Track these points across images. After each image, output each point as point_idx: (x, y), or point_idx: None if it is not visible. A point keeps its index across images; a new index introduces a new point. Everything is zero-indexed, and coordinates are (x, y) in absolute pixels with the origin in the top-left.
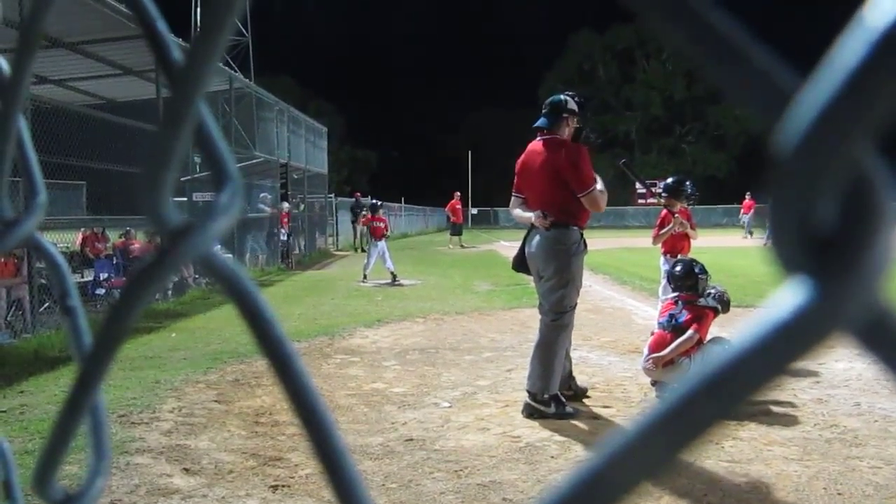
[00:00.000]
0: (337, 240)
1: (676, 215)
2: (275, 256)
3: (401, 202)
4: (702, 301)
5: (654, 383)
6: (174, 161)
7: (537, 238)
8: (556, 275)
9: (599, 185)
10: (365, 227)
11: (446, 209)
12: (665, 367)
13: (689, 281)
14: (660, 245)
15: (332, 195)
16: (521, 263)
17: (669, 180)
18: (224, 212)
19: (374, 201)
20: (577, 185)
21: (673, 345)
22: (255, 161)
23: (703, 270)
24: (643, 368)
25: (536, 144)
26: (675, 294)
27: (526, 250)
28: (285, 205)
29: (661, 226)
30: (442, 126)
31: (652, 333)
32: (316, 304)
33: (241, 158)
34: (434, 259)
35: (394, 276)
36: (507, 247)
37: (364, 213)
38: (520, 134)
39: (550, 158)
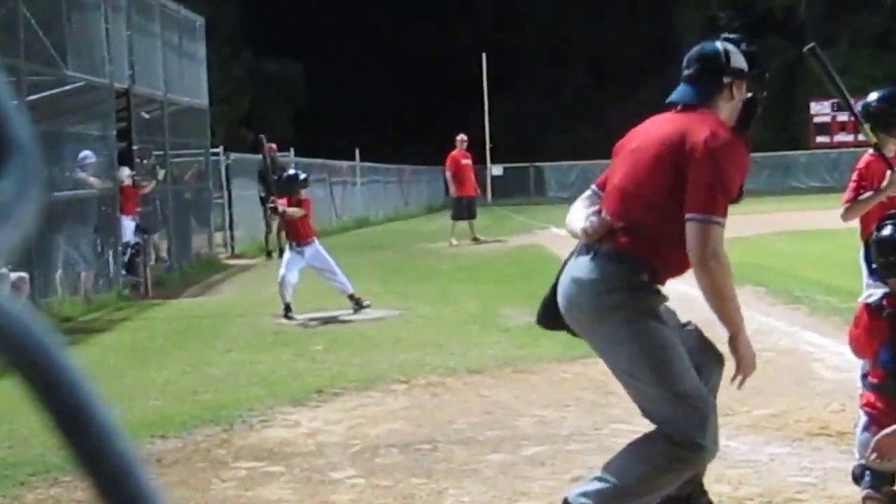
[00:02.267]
0: (232, 236)
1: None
2: (111, 273)
3: (353, 159)
4: None
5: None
6: None
7: (577, 270)
8: (629, 358)
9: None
10: (277, 220)
11: (445, 168)
12: None
13: None
14: (857, 223)
15: (221, 150)
16: (550, 312)
17: (875, 97)
18: (4, 216)
19: (293, 172)
20: (695, 199)
21: None
22: (66, 89)
23: None
24: (864, 460)
25: (665, 115)
26: (883, 293)
27: (559, 291)
28: (125, 171)
29: (860, 187)
30: (428, 10)
31: (862, 395)
32: (196, 363)
33: (39, 86)
34: (424, 267)
35: (357, 302)
36: (559, 237)
37: (284, 185)
38: (596, 31)
39: (676, 139)
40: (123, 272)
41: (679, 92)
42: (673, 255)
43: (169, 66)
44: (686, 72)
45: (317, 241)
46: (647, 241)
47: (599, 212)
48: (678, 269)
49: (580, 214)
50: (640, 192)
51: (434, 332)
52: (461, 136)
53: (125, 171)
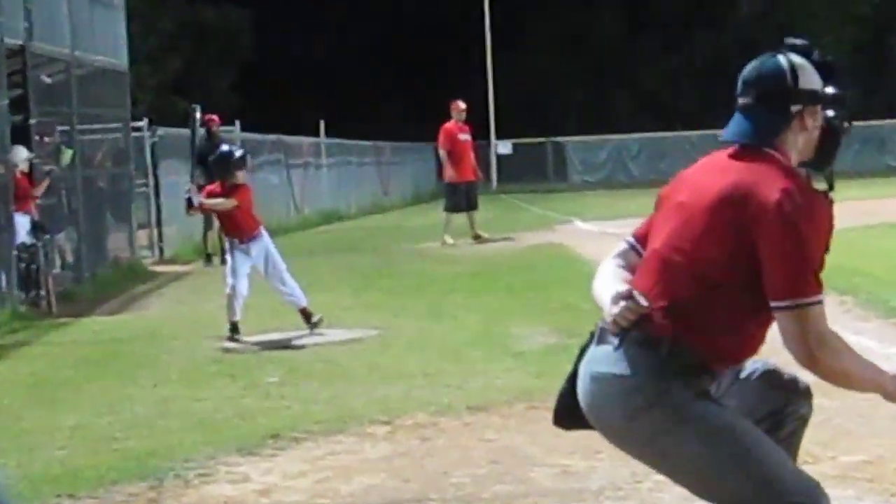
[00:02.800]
0: (160, 236)
1: None
2: (2, 285)
3: (317, 135)
4: None
5: None
6: None
7: (598, 362)
8: (689, 461)
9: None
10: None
11: (437, 145)
12: None
13: None
14: None
15: (145, 123)
16: (568, 409)
17: None
18: None
19: (225, 149)
20: (778, 282)
21: None
22: None
23: None
24: None
25: (720, 157)
26: None
27: (579, 390)
28: (21, 153)
29: None
30: None
31: None
32: (115, 401)
33: None
34: (410, 274)
35: (308, 318)
36: (588, 234)
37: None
38: None
39: (737, 197)
40: (18, 285)
41: (734, 127)
42: (734, 341)
43: (77, 17)
44: (741, 99)
45: (265, 234)
46: (696, 328)
47: (630, 294)
48: (741, 355)
49: (610, 285)
50: (690, 263)
51: (423, 358)
52: (458, 104)
53: (21, 153)
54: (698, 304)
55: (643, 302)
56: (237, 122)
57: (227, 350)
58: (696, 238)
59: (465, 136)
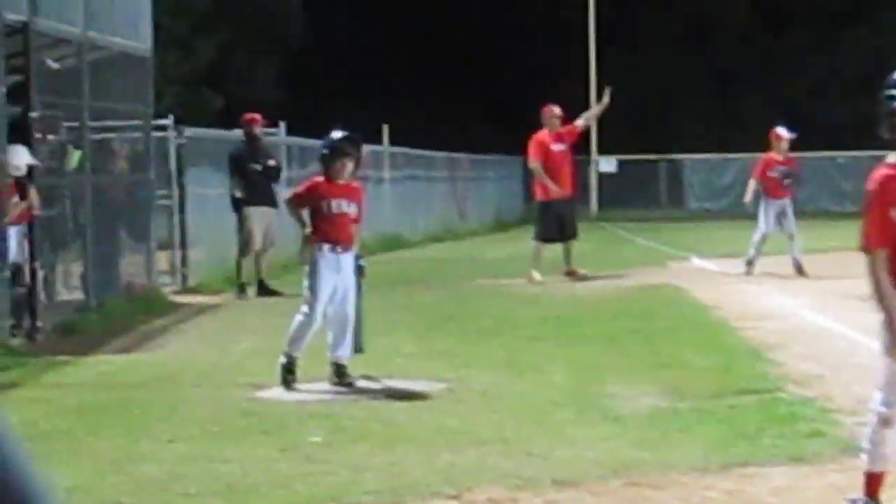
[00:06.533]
0: (184, 260)
1: None
2: None
3: (379, 143)
4: None
5: None
6: None
7: None
8: None
9: None
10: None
11: (528, 158)
12: None
13: None
14: None
15: (170, 122)
16: None
17: None
18: None
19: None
20: None
21: None
22: None
23: None
24: None
25: None
26: None
27: None
28: (20, 153)
29: None
30: None
31: None
32: (123, 458)
33: None
34: (487, 316)
35: (339, 370)
36: (707, 274)
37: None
38: None
39: None
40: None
41: None
42: None
43: None
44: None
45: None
46: None
47: None
48: None
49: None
50: None
51: (500, 420)
52: (552, 109)
53: (21, 154)
54: None
55: None
56: (282, 124)
57: (258, 401)
58: None
59: (559, 147)
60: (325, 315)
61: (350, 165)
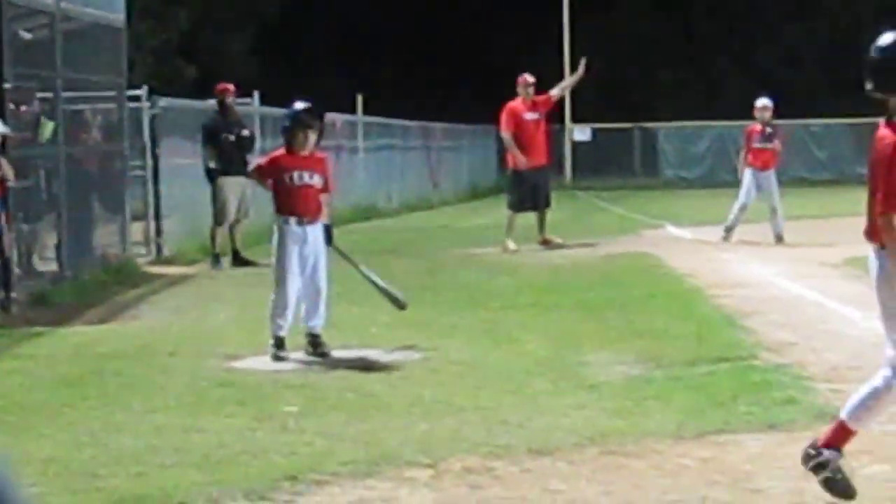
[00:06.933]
0: (159, 230)
1: None
2: None
3: (353, 112)
4: None
5: None
6: None
7: None
8: None
9: None
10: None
11: (500, 127)
12: None
13: None
14: None
15: (144, 92)
16: None
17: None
18: None
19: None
20: None
21: None
22: None
23: None
24: None
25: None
26: None
27: None
28: None
29: None
30: None
31: None
32: (99, 430)
33: None
34: (462, 285)
35: (314, 340)
36: (682, 242)
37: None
38: None
39: None
40: None
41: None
42: None
43: None
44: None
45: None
46: None
47: None
48: None
49: None
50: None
51: (475, 389)
52: (525, 78)
53: None
54: None
55: None
56: (255, 94)
57: (234, 371)
58: None
59: (532, 116)
60: (298, 289)
61: (313, 137)
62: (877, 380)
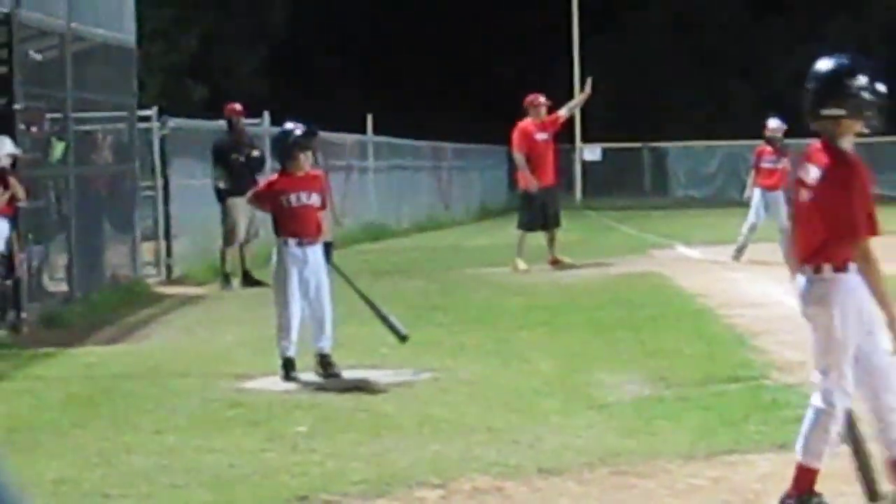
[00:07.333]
0: (169, 250)
1: None
2: None
3: (364, 132)
4: None
5: None
6: None
7: None
8: None
9: None
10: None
11: (512, 148)
12: None
13: None
14: None
15: (154, 112)
16: None
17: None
18: None
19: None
20: None
21: None
22: None
23: None
24: None
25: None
26: None
27: None
28: (5, 144)
29: None
30: None
31: None
32: (109, 451)
33: None
34: (472, 305)
35: (323, 360)
36: (692, 262)
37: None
38: None
39: None
40: None
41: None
42: None
43: None
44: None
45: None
46: None
47: None
48: None
49: None
50: None
51: (486, 408)
52: (536, 98)
53: (5, 145)
54: None
55: None
56: (266, 114)
57: (245, 392)
58: None
59: (543, 136)
60: (302, 309)
61: (308, 157)
62: (810, 411)
